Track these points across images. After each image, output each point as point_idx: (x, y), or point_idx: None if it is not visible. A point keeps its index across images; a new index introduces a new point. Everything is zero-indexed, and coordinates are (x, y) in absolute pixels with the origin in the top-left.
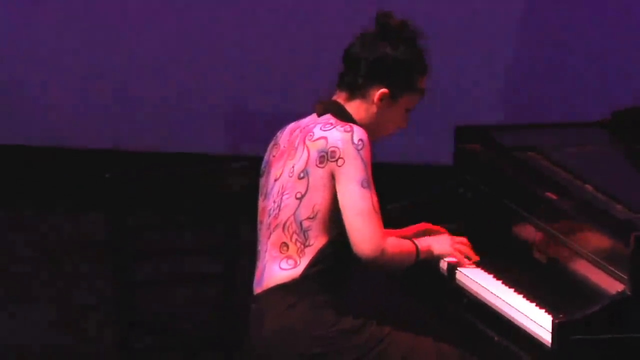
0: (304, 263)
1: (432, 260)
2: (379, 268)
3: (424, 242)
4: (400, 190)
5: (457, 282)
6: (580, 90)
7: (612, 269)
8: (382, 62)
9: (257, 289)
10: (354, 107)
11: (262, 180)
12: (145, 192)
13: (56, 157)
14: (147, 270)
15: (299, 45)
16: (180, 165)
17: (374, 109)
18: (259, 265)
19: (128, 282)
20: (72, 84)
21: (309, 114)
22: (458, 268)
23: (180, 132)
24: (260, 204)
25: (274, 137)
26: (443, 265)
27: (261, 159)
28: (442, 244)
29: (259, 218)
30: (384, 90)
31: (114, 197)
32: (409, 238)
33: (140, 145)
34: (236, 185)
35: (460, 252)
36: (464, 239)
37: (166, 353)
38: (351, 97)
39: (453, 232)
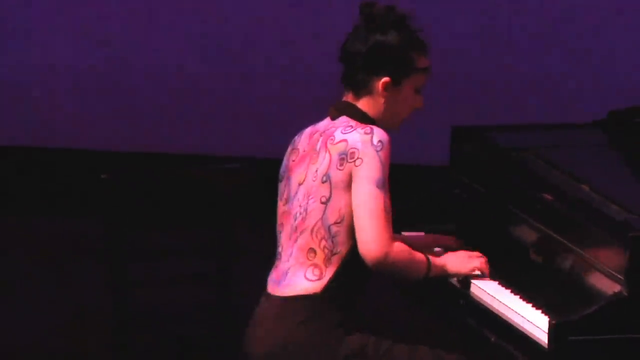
0: (328, 275)
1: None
2: (383, 271)
3: (439, 260)
4: (395, 192)
5: (452, 282)
6: (576, 90)
7: (609, 269)
8: (375, 51)
9: (275, 290)
10: (364, 104)
11: (282, 185)
12: (141, 193)
13: (53, 158)
14: (143, 271)
15: (299, 46)
16: (176, 166)
17: (381, 100)
18: (281, 265)
19: (125, 283)
20: (69, 84)
21: (308, 115)
22: (472, 280)
23: (177, 133)
24: (281, 208)
25: (291, 142)
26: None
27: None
28: (459, 263)
29: (279, 221)
30: (385, 79)
31: (110, 198)
32: (428, 251)
33: (136, 147)
34: (232, 186)
35: (480, 269)
36: (480, 255)
37: (163, 354)
38: (358, 94)
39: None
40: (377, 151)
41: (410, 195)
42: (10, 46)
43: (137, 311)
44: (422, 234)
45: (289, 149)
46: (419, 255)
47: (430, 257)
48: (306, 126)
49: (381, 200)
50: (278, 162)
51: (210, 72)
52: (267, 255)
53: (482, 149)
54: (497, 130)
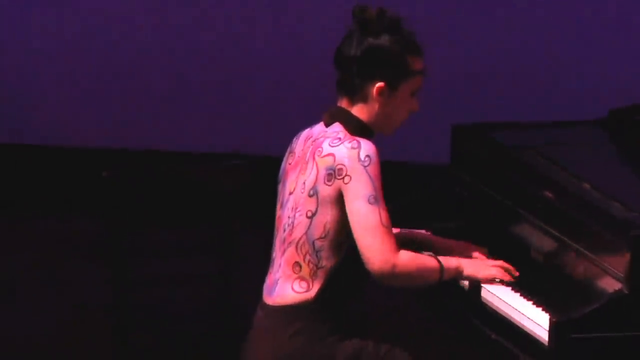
0: (316, 287)
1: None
2: (394, 284)
3: (452, 261)
4: (395, 189)
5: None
6: (577, 89)
7: (610, 267)
8: (369, 56)
9: (267, 299)
10: (359, 110)
11: (279, 188)
12: (142, 191)
13: (53, 156)
14: (144, 269)
15: (300, 45)
16: (177, 164)
17: (376, 105)
18: (271, 274)
19: (125, 281)
20: (69, 83)
21: (307, 114)
22: (482, 285)
23: (177, 131)
24: (277, 212)
25: (290, 145)
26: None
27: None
28: (475, 267)
29: (275, 225)
30: (380, 84)
31: (110, 196)
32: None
33: (136, 144)
34: (233, 184)
35: (499, 273)
36: (502, 262)
37: (164, 352)
38: (352, 100)
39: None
40: (365, 167)
41: (411, 193)
42: (9, 45)
43: (137, 309)
44: (423, 231)
45: (287, 151)
46: (430, 260)
47: (443, 259)
48: (307, 124)
49: (377, 215)
50: (279, 160)
51: (211, 69)
52: (268, 254)
53: (483, 147)
54: (497, 128)
